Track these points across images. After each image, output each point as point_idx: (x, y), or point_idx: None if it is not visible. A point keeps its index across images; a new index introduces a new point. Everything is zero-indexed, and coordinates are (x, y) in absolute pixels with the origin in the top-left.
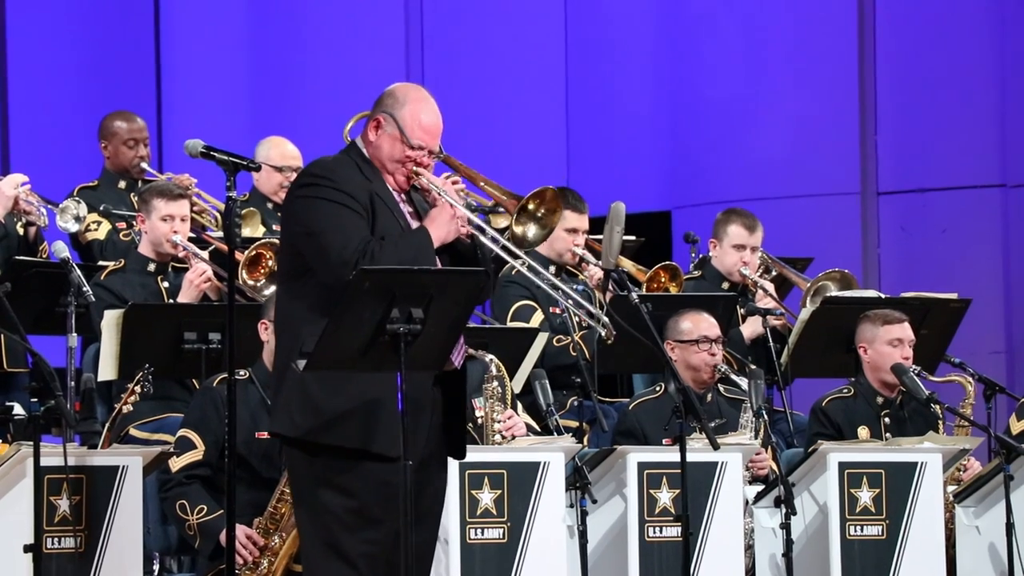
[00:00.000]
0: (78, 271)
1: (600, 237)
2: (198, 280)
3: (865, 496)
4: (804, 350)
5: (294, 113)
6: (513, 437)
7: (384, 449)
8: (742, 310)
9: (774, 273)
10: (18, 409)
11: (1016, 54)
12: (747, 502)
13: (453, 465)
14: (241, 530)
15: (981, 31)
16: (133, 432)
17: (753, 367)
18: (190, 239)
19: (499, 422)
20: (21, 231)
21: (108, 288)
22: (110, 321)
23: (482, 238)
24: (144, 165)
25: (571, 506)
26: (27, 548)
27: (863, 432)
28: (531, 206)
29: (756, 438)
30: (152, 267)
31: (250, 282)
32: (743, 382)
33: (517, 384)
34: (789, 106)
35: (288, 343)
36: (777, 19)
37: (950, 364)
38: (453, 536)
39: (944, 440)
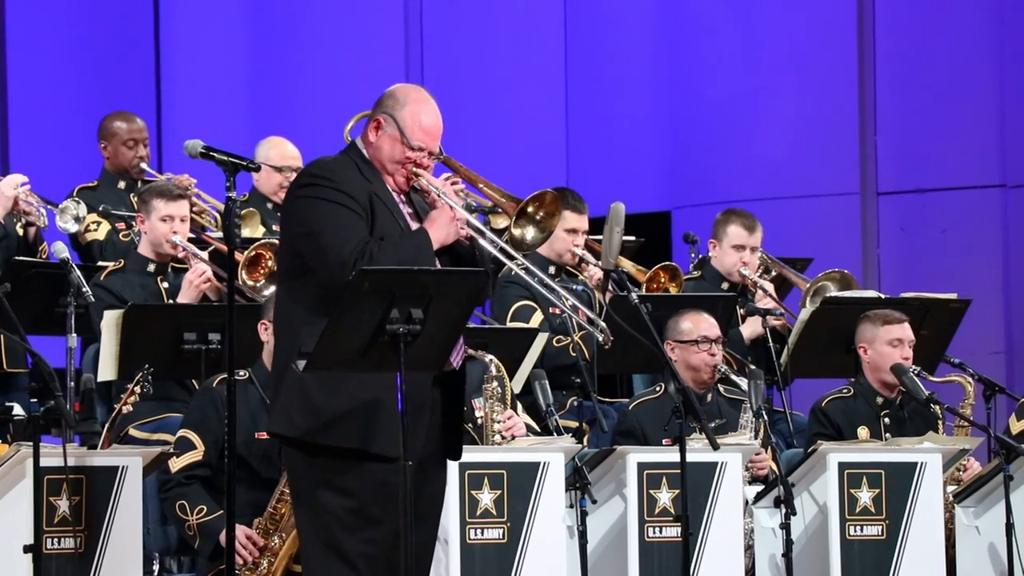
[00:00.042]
0: (78, 271)
1: (600, 237)
2: (198, 280)
3: (865, 496)
4: (804, 350)
5: (294, 113)
6: (513, 437)
7: (383, 449)
8: (742, 310)
9: (774, 273)
10: (18, 409)
11: (1016, 54)
12: (747, 502)
13: (453, 465)
14: (241, 530)
15: (981, 31)
16: (133, 432)
17: (753, 367)
18: (190, 239)
19: (499, 422)
20: (21, 231)
21: (108, 288)
22: (110, 321)
23: (481, 241)
24: (144, 165)
25: (571, 506)
26: (27, 548)
27: (863, 432)
28: (530, 209)
29: (756, 438)
30: (152, 267)
31: (250, 282)
32: (743, 382)
33: (517, 384)
34: (789, 106)
35: (287, 343)
36: (777, 19)
37: (950, 364)
38: (453, 536)
39: (944, 440)
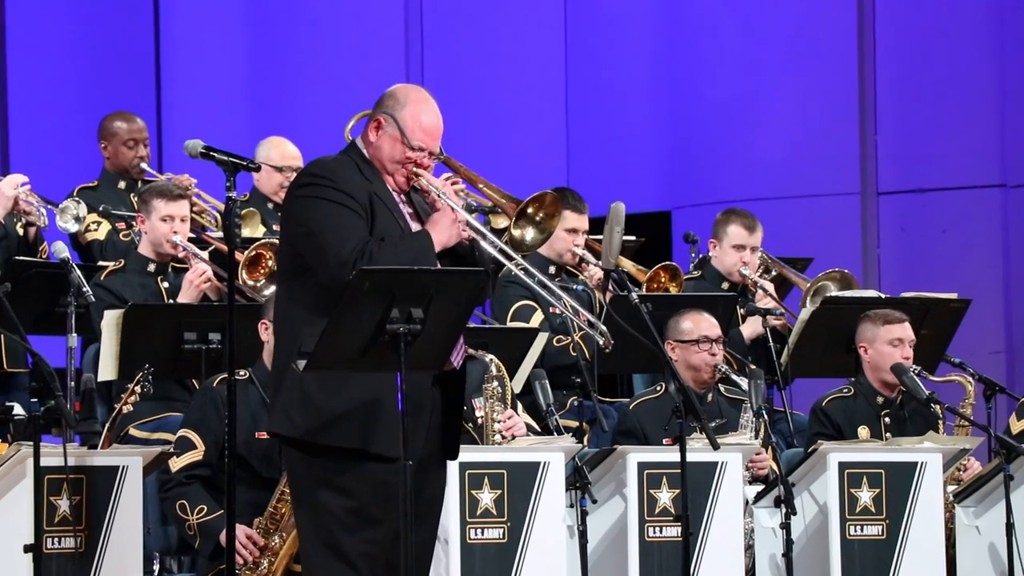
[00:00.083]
0: (78, 271)
1: (600, 237)
2: (198, 280)
3: (865, 496)
4: (804, 350)
5: (294, 113)
6: (513, 437)
7: (383, 449)
8: (742, 310)
9: (774, 273)
10: (18, 409)
11: (1016, 54)
12: (747, 502)
13: (453, 465)
14: (241, 530)
15: (981, 31)
16: (133, 432)
17: (753, 367)
18: (190, 239)
19: (499, 422)
20: (21, 231)
21: (108, 288)
22: (110, 321)
23: (481, 241)
24: (144, 165)
25: (571, 506)
26: (27, 548)
27: (863, 432)
28: (530, 210)
29: (756, 438)
30: (152, 267)
31: (250, 282)
32: (743, 382)
33: (517, 384)
34: (789, 106)
35: (287, 343)
36: (777, 19)
37: (950, 364)
38: (453, 536)
39: (944, 440)
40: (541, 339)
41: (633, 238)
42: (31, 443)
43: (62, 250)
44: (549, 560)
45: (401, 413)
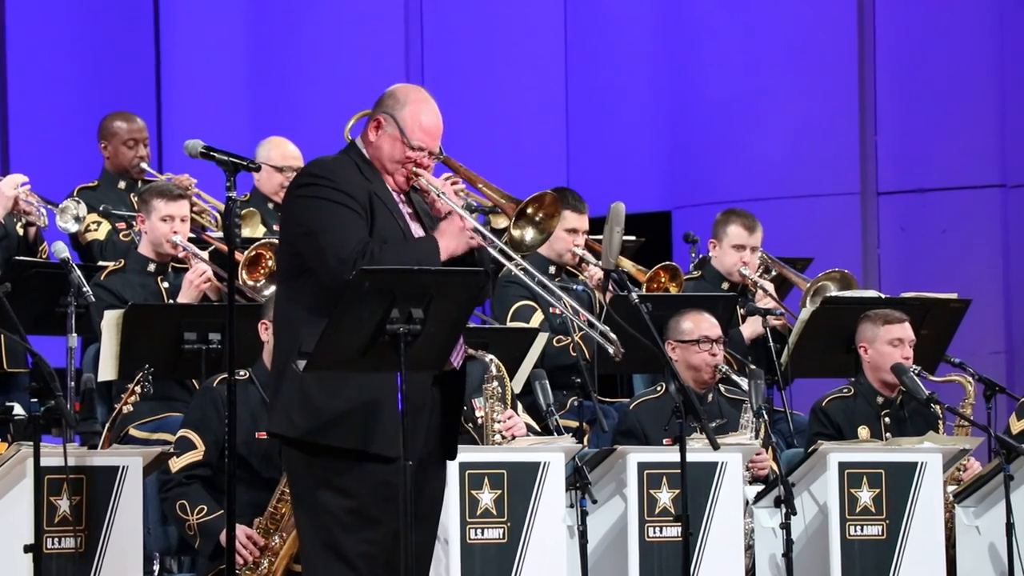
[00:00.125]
0: (78, 271)
1: (600, 237)
2: (198, 280)
3: (865, 496)
4: (804, 350)
5: (294, 113)
6: (513, 437)
7: (383, 449)
8: (742, 310)
9: (774, 273)
10: (18, 409)
11: (1016, 54)
12: (747, 502)
13: (453, 465)
14: (241, 530)
15: (981, 31)
16: (133, 432)
17: (753, 367)
18: (190, 239)
19: (499, 422)
20: (21, 231)
21: (108, 288)
22: (110, 321)
23: (490, 250)
24: (144, 165)
25: (571, 506)
26: (27, 548)
27: (863, 432)
28: (530, 210)
29: (756, 438)
30: (152, 267)
31: (250, 282)
32: (743, 382)
33: (517, 384)
34: (789, 106)
35: (287, 343)
36: (777, 19)
37: (950, 364)
38: (453, 536)
39: (944, 440)
40: (541, 339)
41: (633, 238)
42: (31, 443)
43: (62, 250)
44: (549, 560)
45: (401, 413)
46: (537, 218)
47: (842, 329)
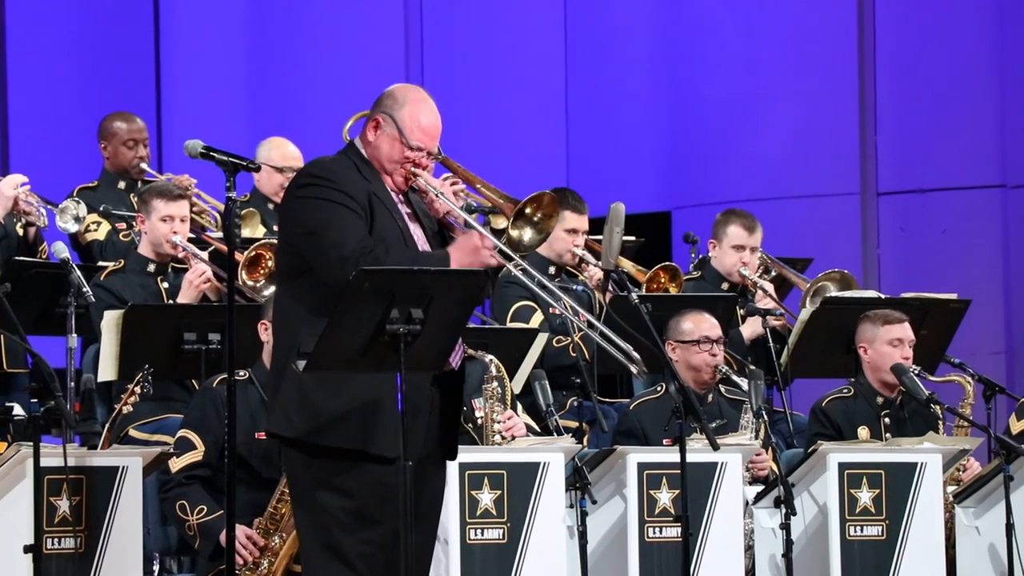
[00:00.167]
0: (78, 272)
1: (600, 238)
2: (198, 281)
3: (865, 496)
4: (804, 350)
5: (294, 113)
6: (513, 438)
7: (382, 450)
8: (742, 311)
9: (774, 273)
10: (18, 410)
11: (1016, 54)
12: (747, 503)
13: (453, 465)
14: (241, 530)
15: (981, 31)
16: (132, 433)
17: (753, 368)
18: (190, 240)
19: (499, 422)
20: (21, 232)
21: (108, 289)
22: (110, 322)
23: (510, 267)
24: (144, 166)
25: (571, 506)
26: (27, 549)
27: (863, 432)
28: (528, 210)
29: (756, 439)
30: (152, 268)
31: (250, 283)
32: (743, 383)
33: (517, 385)
34: (789, 106)
35: (286, 343)
36: (777, 19)
37: (950, 364)
38: (453, 536)
39: (944, 440)
40: (541, 340)
41: (633, 238)
42: (31, 443)
43: (62, 250)
44: (549, 560)
45: (401, 414)
46: (535, 218)
47: (842, 329)
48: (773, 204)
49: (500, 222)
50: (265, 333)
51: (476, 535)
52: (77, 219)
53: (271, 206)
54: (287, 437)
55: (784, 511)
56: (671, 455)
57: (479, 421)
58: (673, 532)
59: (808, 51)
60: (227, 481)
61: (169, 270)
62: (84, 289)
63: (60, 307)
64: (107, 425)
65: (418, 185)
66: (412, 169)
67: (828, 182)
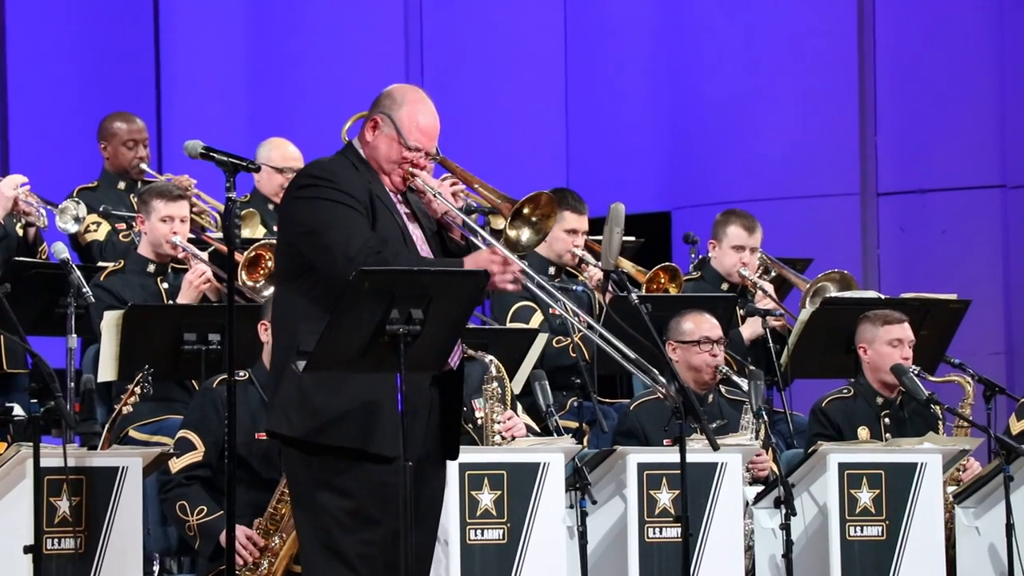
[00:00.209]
0: (78, 272)
1: (600, 238)
2: (197, 281)
3: (865, 497)
4: (804, 351)
5: (294, 113)
6: (513, 438)
7: (382, 450)
8: (741, 311)
9: (773, 274)
10: (18, 410)
11: (1016, 54)
12: (747, 503)
13: (453, 465)
14: (241, 531)
15: (981, 31)
16: (132, 434)
17: (753, 368)
18: (190, 240)
19: (499, 423)
20: (21, 232)
21: (108, 289)
22: (110, 322)
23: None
24: (143, 166)
25: (571, 507)
26: (27, 549)
27: (863, 433)
28: (526, 210)
29: (756, 439)
30: (152, 268)
31: (249, 283)
32: (743, 383)
33: (517, 385)
34: (789, 106)
35: (286, 343)
36: (777, 20)
37: (950, 365)
38: (453, 537)
39: (944, 441)
40: (541, 340)
41: (633, 239)
42: (31, 444)
43: (62, 251)
44: (549, 561)
45: (401, 414)
46: (533, 218)
47: (842, 330)
48: (773, 204)
49: (498, 222)
50: (265, 333)
51: (476, 535)
52: (77, 219)
53: (271, 207)
54: (287, 437)
55: (784, 511)
56: (671, 455)
57: (479, 421)
58: (673, 532)
59: (808, 51)
60: (227, 481)
61: (169, 270)
62: (84, 289)
63: (60, 307)
64: (107, 425)
65: (416, 185)
66: (410, 169)
67: (828, 182)
